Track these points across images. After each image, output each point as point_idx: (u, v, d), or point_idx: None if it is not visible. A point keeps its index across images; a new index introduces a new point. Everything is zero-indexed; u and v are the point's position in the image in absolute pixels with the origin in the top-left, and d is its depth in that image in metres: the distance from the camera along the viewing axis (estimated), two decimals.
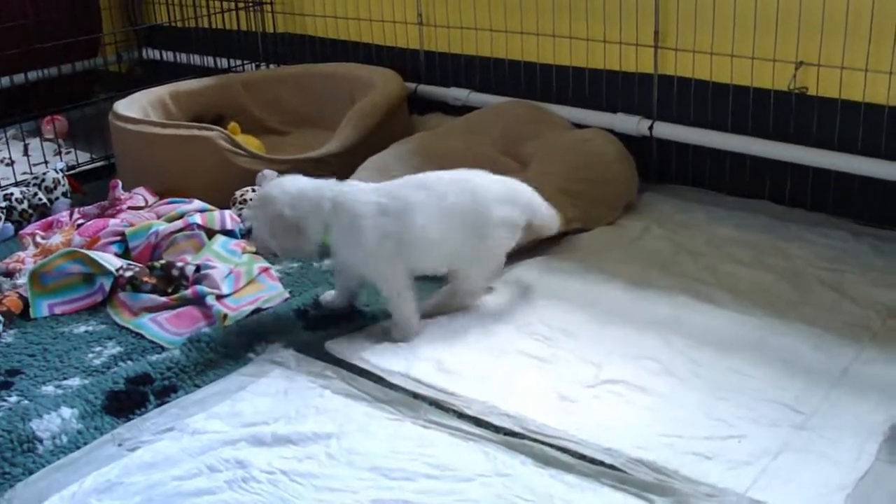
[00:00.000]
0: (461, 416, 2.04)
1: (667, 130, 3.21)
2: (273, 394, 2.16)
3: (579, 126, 3.35)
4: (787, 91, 2.90)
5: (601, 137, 3.20)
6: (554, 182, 2.93)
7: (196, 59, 4.68)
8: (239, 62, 4.44)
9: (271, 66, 4.39)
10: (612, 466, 1.85)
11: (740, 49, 2.97)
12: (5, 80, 4.28)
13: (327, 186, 2.38)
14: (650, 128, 3.23)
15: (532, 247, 2.76)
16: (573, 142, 3.20)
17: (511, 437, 1.96)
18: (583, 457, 1.88)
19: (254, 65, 4.45)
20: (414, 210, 2.31)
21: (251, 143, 3.46)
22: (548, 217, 2.53)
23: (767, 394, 2.06)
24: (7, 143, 3.84)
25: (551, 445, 1.91)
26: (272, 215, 2.35)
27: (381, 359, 2.27)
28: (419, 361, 2.25)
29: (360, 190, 2.39)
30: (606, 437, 1.93)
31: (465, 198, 2.35)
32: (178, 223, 2.92)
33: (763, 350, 2.23)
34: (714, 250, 2.76)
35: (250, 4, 4.40)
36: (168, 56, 4.80)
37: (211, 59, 4.53)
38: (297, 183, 2.40)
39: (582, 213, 2.93)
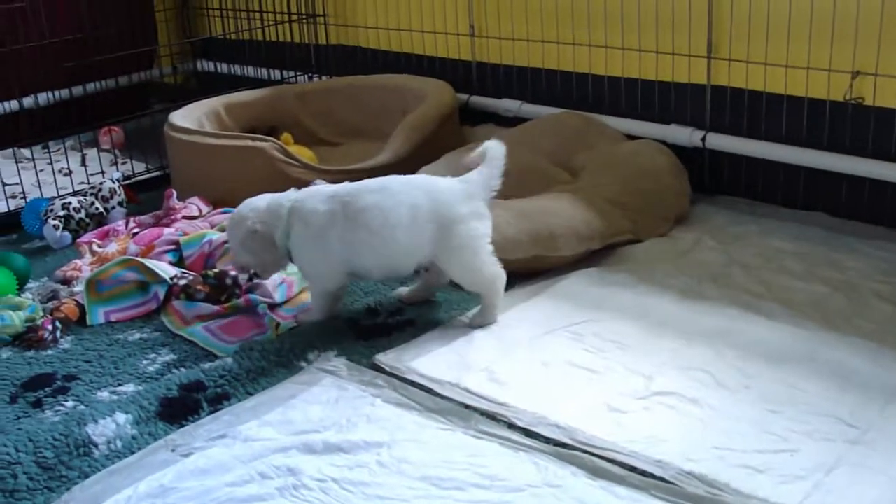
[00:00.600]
0: (512, 426, 2.04)
1: (720, 141, 3.19)
2: (324, 402, 2.17)
3: (631, 137, 3.34)
4: (842, 101, 2.86)
5: (653, 149, 3.19)
6: (606, 193, 2.92)
7: (250, 71, 4.74)
8: (292, 74, 4.48)
9: (324, 77, 4.43)
10: (662, 479, 1.83)
11: (795, 59, 2.94)
12: (65, 92, 4.36)
13: (287, 196, 2.47)
14: (703, 139, 3.20)
15: (583, 258, 2.76)
16: (625, 153, 3.19)
17: (561, 448, 1.95)
18: (633, 469, 1.87)
19: (307, 76, 4.49)
20: (367, 213, 2.37)
21: (304, 153, 3.48)
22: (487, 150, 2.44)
23: (821, 408, 2.03)
24: (65, 154, 3.91)
25: (602, 457, 1.91)
26: (245, 233, 2.43)
27: (432, 369, 2.27)
28: (470, 372, 2.25)
29: (317, 193, 2.45)
30: (657, 449, 1.92)
31: (422, 198, 2.38)
32: None
33: (817, 363, 2.20)
34: (767, 262, 2.73)
35: (304, 17, 4.44)
36: (223, 68, 4.87)
37: (265, 70, 4.58)
38: (265, 198, 2.49)
39: (634, 225, 2.91)
